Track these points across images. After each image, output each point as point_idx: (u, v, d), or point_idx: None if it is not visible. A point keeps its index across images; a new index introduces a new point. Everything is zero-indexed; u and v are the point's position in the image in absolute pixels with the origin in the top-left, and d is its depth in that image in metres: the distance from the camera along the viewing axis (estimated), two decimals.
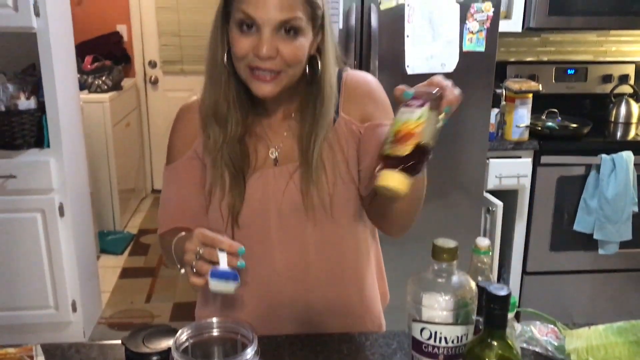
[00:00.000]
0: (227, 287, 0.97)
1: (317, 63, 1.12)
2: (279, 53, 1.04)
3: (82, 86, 3.71)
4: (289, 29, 1.04)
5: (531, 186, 2.74)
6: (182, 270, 1.04)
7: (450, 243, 0.91)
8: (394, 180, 0.91)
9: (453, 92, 0.94)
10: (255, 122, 1.19)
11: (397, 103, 0.96)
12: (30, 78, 2.67)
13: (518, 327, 1.15)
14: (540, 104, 2.85)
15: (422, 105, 0.92)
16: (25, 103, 2.50)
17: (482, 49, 2.36)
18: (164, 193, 1.25)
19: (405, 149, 0.91)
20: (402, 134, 0.91)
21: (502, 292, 0.80)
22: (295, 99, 1.18)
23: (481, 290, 0.92)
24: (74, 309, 2.76)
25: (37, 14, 2.37)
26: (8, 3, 2.31)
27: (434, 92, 0.94)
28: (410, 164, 0.91)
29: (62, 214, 2.62)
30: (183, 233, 1.10)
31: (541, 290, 2.89)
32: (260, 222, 1.17)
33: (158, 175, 5.00)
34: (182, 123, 1.22)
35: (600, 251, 2.77)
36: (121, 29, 4.59)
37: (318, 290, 1.22)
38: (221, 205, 1.16)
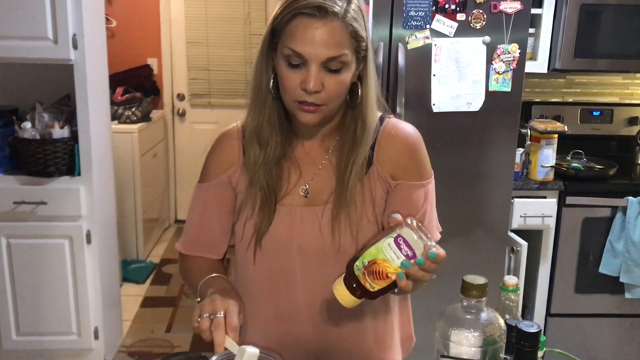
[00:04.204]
0: None
1: (358, 90, 1.14)
2: (324, 87, 1.07)
3: (112, 117, 3.80)
4: (335, 65, 1.06)
5: (556, 227, 2.71)
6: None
7: (479, 279, 0.92)
8: (347, 300, 0.96)
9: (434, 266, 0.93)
10: (293, 147, 1.21)
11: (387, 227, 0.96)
12: (65, 108, 2.75)
13: None
14: (566, 144, 2.86)
15: (411, 258, 0.91)
16: (59, 132, 2.57)
17: (507, 89, 2.39)
18: (191, 210, 1.29)
19: (374, 287, 0.93)
20: (377, 269, 0.92)
21: (533, 329, 0.80)
22: (334, 132, 1.20)
23: (510, 328, 0.92)
24: (96, 336, 2.77)
25: (75, 47, 2.46)
26: (48, 36, 2.40)
27: (430, 248, 0.92)
28: (369, 295, 0.95)
29: (89, 241, 2.66)
30: (209, 277, 1.17)
31: (566, 333, 2.83)
32: (283, 257, 1.19)
33: (182, 205, 5.06)
34: (221, 148, 1.25)
35: (627, 295, 2.72)
36: (152, 62, 4.71)
37: (335, 329, 1.22)
38: (246, 223, 1.19)
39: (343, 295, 0.96)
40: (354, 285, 0.95)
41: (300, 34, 1.04)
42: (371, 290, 0.94)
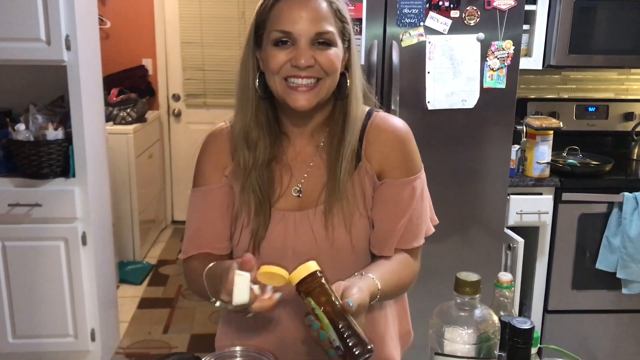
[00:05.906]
0: None
1: (346, 81, 1.15)
2: (317, 62, 1.08)
3: (108, 118, 3.79)
4: (323, 41, 1.08)
5: (552, 223, 2.71)
6: (217, 303, 1.04)
7: (473, 276, 0.91)
8: (293, 278, 0.98)
9: None
10: (283, 148, 1.20)
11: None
12: (59, 109, 2.74)
13: None
14: (561, 141, 2.85)
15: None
16: (53, 133, 2.56)
17: (502, 85, 2.38)
18: (191, 217, 1.25)
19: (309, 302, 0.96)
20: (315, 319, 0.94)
21: (526, 326, 0.80)
22: (323, 126, 1.20)
23: (504, 325, 0.91)
24: (93, 338, 2.77)
25: (68, 48, 2.45)
26: (41, 37, 2.39)
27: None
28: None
29: (84, 242, 2.65)
30: (212, 263, 1.10)
31: (563, 329, 2.83)
32: (279, 262, 1.18)
33: (178, 206, 5.05)
34: (213, 148, 1.23)
35: (624, 290, 2.72)
36: (147, 62, 4.70)
37: None
38: (242, 230, 1.18)
39: (298, 275, 0.98)
40: (301, 290, 0.97)
41: (286, 14, 1.07)
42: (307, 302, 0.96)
